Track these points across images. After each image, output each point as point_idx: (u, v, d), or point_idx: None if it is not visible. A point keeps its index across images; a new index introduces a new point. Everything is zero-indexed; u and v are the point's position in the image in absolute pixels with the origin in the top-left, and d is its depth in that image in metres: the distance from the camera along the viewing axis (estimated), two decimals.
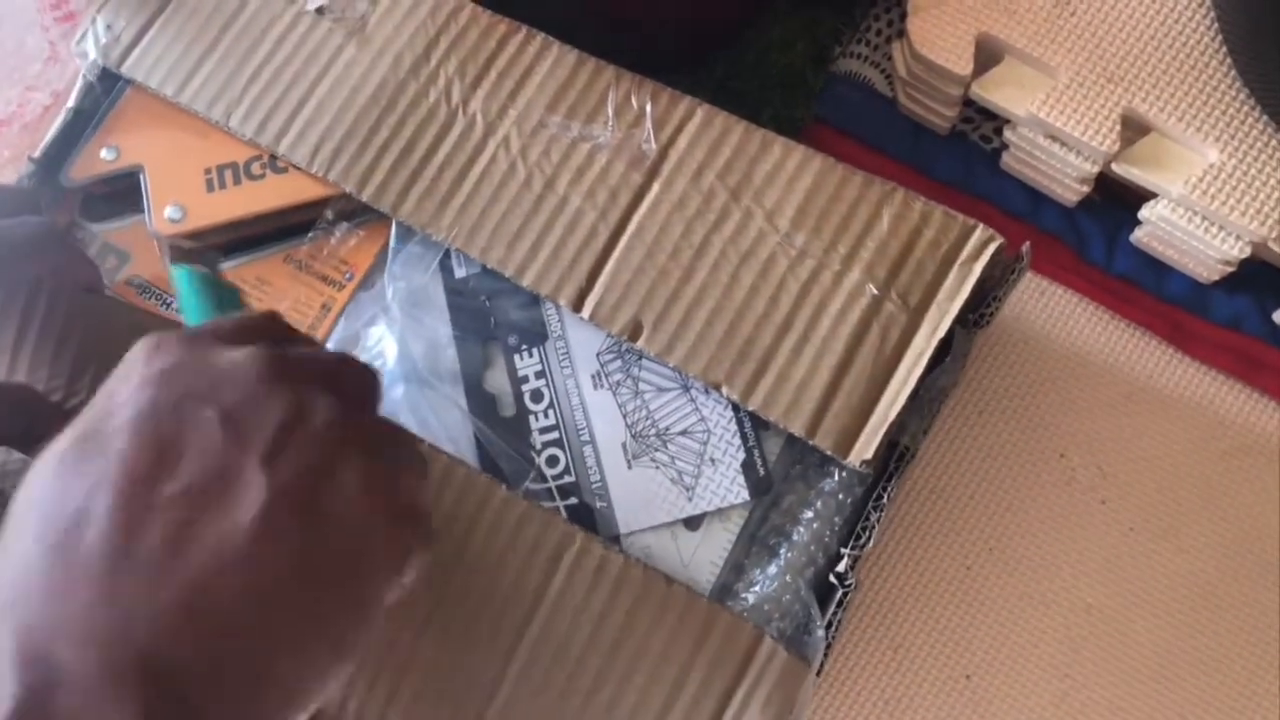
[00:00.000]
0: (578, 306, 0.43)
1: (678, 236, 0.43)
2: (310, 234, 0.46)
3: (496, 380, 0.44)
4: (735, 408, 0.43)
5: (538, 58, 0.45)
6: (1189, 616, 0.51)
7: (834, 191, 0.42)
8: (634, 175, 0.43)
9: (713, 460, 0.43)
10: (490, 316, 0.45)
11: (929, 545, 0.53)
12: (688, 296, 0.42)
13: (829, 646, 0.39)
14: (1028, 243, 0.42)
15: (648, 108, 0.44)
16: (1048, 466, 0.52)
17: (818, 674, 0.39)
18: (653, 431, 0.43)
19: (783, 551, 0.42)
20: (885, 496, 0.40)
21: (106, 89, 0.48)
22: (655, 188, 0.43)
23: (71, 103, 0.48)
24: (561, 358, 0.44)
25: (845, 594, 0.39)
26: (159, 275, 0.47)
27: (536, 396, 0.44)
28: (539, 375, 0.44)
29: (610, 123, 0.44)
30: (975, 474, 0.53)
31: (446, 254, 0.46)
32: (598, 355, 0.44)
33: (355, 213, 0.46)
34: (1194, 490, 0.51)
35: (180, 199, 0.46)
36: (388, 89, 0.45)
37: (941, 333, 0.41)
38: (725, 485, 0.42)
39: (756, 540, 0.43)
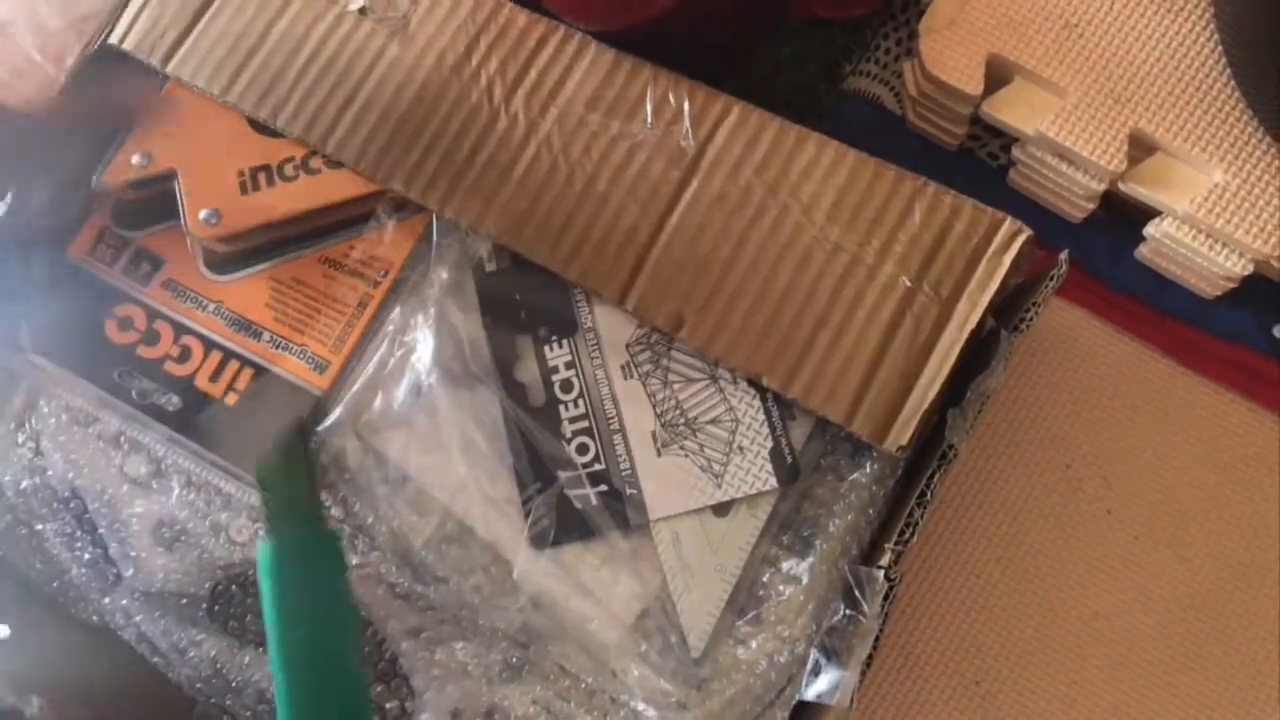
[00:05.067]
0: (621, 301, 0.42)
1: (717, 231, 0.42)
2: (360, 232, 0.46)
3: (526, 371, 0.43)
4: (762, 397, 0.42)
5: (576, 56, 0.44)
6: (1192, 623, 0.50)
7: (868, 186, 0.42)
8: (673, 172, 0.42)
9: (741, 448, 0.42)
10: (520, 309, 0.44)
11: (939, 554, 0.51)
12: (728, 290, 0.41)
13: (878, 638, 0.38)
14: (1065, 250, 0.42)
15: (685, 105, 0.43)
16: (1054, 477, 0.52)
17: (868, 664, 0.38)
18: (681, 421, 0.42)
19: (817, 543, 0.41)
20: (929, 493, 0.39)
21: None
22: (694, 183, 0.42)
23: None
24: (591, 348, 0.43)
25: (892, 587, 0.38)
26: (194, 278, 0.45)
27: (566, 386, 0.43)
28: (569, 366, 0.43)
29: (649, 120, 0.43)
30: (983, 484, 0.52)
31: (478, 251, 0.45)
32: (627, 346, 0.43)
33: (389, 210, 0.45)
34: (1196, 500, 0.51)
35: (215, 203, 0.44)
36: (431, 88, 0.44)
37: (972, 324, 0.40)
38: (754, 473, 0.41)
39: (789, 530, 0.42)
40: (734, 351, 0.41)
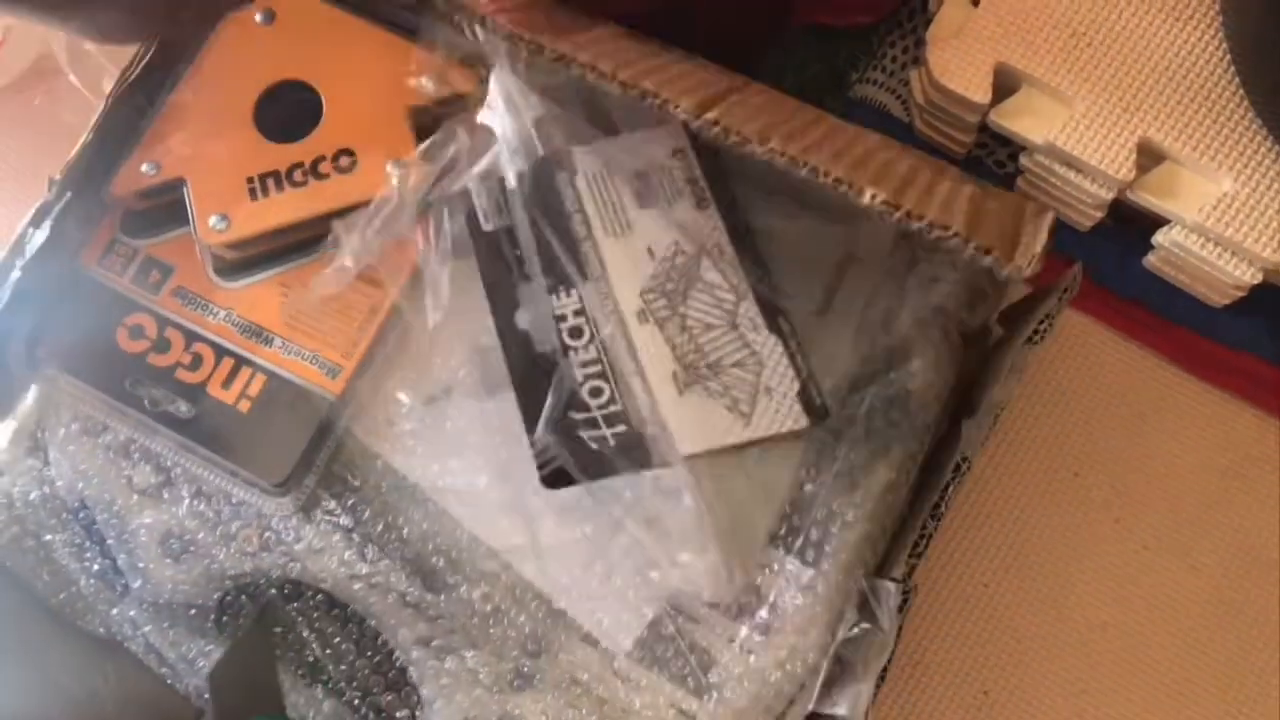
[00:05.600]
0: (701, 113, 0.38)
1: (779, 119, 0.39)
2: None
3: (532, 318, 0.42)
4: (785, 343, 0.41)
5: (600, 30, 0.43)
6: (1201, 631, 0.50)
7: (895, 154, 0.40)
8: (720, 79, 0.41)
9: (768, 389, 0.41)
10: (522, 262, 0.43)
11: (946, 562, 0.51)
12: (808, 140, 0.38)
13: (893, 651, 0.38)
14: (1078, 263, 0.41)
15: (707, 69, 0.42)
16: (1062, 485, 0.52)
17: (882, 677, 0.38)
18: (703, 363, 0.41)
19: (830, 551, 0.41)
20: (944, 505, 0.39)
21: (137, 107, 0.47)
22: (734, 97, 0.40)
23: (90, 135, 0.45)
24: (603, 296, 0.42)
25: (906, 599, 0.38)
26: (204, 285, 0.45)
27: (575, 333, 0.42)
28: (578, 313, 0.42)
29: (682, 57, 0.42)
30: (992, 493, 0.52)
31: (475, 211, 0.44)
32: (641, 294, 0.42)
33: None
34: (1204, 508, 0.51)
35: (224, 208, 0.44)
36: None
37: (1039, 246, 0.38)
38: (784, 411, 0.40)
39: (802, 538, 0.41)
40: (834, 167, 0.37)
